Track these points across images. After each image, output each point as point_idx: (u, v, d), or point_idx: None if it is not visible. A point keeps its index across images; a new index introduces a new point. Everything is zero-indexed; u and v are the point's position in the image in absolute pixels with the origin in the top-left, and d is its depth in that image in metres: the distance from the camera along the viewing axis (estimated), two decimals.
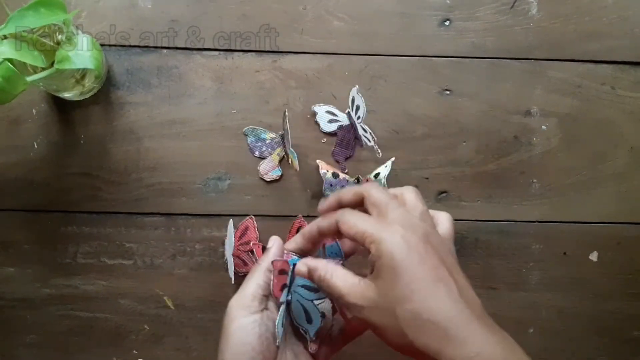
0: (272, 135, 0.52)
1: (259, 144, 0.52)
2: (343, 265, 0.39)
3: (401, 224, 0.34)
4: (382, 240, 0.33)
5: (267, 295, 0.39)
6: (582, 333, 0.53)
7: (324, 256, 0.41)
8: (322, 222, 0.38)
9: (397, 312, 0.32)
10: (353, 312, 0.35)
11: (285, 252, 0.40)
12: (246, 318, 0.36)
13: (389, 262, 0.33)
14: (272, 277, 0.38)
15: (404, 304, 0.32)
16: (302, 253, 0.40)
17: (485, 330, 0.31)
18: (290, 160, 0.51)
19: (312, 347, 0.39)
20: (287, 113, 0.48)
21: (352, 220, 0.36)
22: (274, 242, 0.41)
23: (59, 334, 0.52)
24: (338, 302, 0.36)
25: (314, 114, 0.52)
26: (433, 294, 0.31)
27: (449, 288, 0.32)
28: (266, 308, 0.38)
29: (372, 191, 0.37)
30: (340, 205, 0.38)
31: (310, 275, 0.37)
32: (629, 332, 0.54)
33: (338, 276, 0.36)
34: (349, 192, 0.38)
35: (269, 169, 0.52)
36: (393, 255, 0.32)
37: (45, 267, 0.51)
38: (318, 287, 0.37)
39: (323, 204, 0.40)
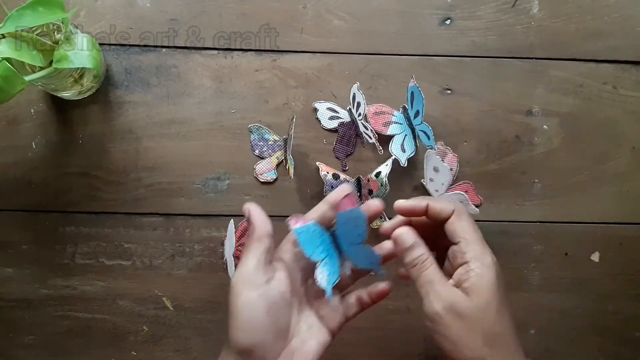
0: (276, 137, 0.52)
1: (261, 143, 0.52)
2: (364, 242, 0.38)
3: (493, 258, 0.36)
4: (487, 263, 0.35)
5: (270, 262, 0.38)
6: (584, 334, 0.53)
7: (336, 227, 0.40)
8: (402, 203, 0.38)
9: (485, 329, 0.34)
10: (430, 317, 0.35)
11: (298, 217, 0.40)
12: (251, 292, 0.35)
13: (489, 288, 0.35)
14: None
15: (495, 325, 0.35)
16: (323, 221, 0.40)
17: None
18: (287, 165, 0.51)
19: (333, 300, 0.38)
20: (294, 119, 0.48)
21: (466, 224, 0.36)
22: (250, 207, 0.39)
23: (57, 334, 0.51)
24: (421, 292, 0.36)
25: (315, 110, 0.52)
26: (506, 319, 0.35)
27: (512, 324, 0.36)
28: (271, 278, 0.37)
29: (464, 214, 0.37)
30: (422, 211, 0.38)
31: (406, 247, 0.37)
32: (630, 332, 0.53)
33: (435, 271, 0.36)
34: (440, 201, 0.37)
35: (265, 170, 0.52)
36: (492, 283, 0.35)
37: (44, 267, 0.51)
38: (406, 268, 0.37)
39: (405, 203, 0.38)
